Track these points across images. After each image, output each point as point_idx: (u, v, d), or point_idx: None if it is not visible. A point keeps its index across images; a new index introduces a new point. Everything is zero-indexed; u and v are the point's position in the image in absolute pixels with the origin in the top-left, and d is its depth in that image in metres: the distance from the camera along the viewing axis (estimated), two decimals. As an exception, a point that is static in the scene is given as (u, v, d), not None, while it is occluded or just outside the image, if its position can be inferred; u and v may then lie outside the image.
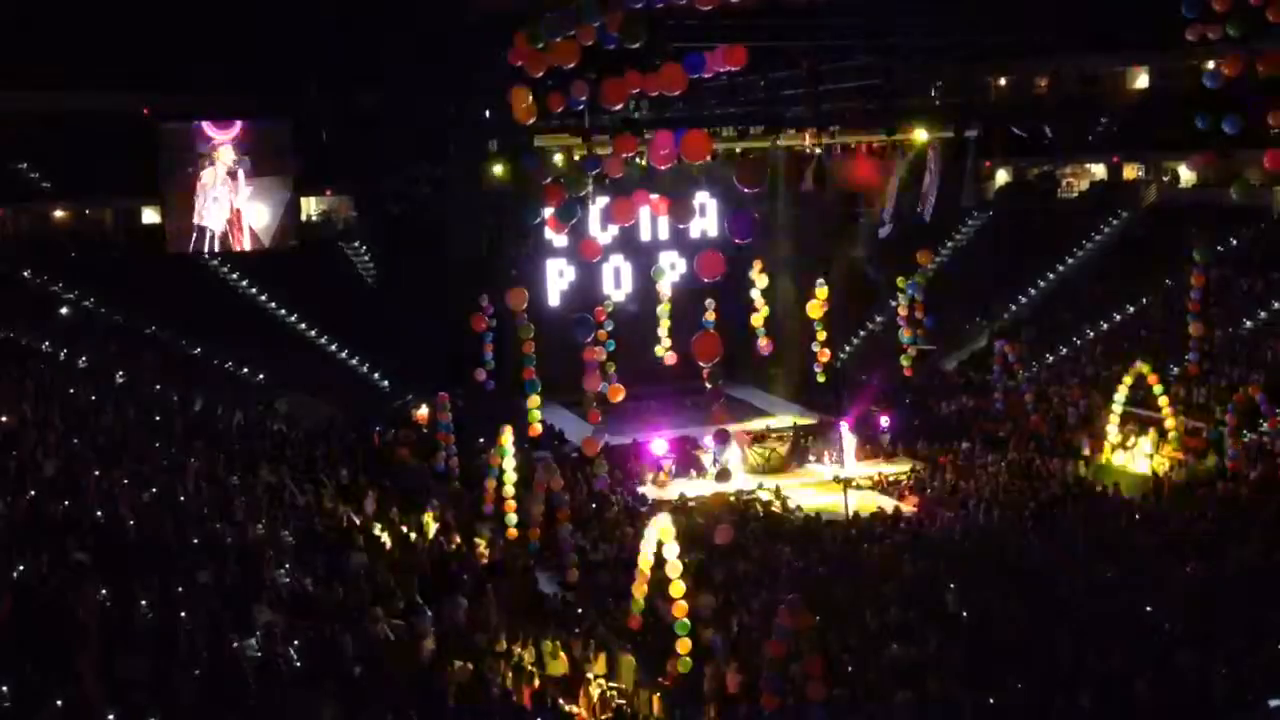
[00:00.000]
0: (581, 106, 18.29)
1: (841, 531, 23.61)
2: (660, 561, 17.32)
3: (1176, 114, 27.46)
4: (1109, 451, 28.60)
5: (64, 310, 34.55)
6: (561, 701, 14.40)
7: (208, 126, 37.47)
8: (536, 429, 25.97)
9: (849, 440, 30.68)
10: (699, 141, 15.61)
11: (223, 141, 37.62)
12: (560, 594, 20.07)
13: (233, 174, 37.78)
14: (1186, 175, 40.86)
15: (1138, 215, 40.08)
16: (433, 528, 21.46)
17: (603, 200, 29.50)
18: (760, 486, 28.45)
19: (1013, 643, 15.69)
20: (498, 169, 34.22)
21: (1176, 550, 19.81)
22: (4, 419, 22.30)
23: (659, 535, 17.31)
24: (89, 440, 21.76)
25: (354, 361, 38.20)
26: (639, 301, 34.94)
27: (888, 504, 27.08)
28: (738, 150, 31.39)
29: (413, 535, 20.60)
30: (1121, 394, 28.42)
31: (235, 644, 12.05)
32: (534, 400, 25.67)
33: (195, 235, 37.65)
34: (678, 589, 16.82)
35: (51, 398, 25.48)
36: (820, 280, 30.13)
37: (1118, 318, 35.85)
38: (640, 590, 18.36)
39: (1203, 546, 19.76)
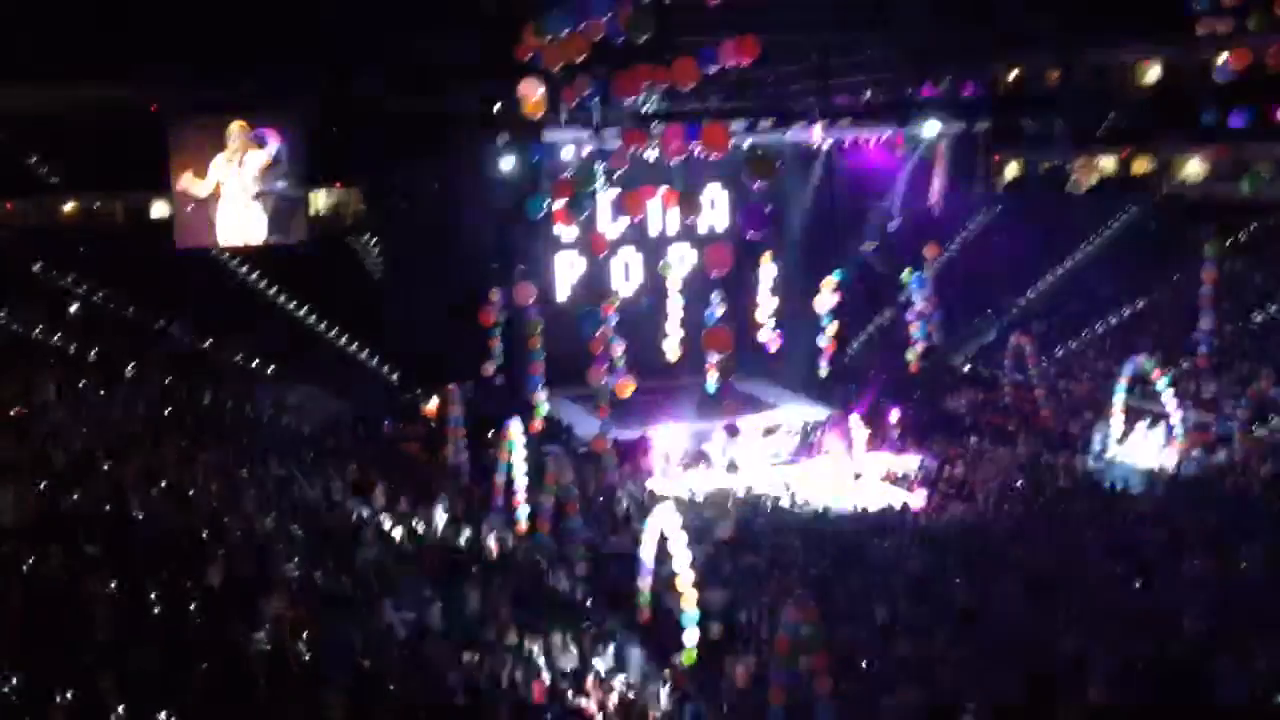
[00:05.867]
0: (593, 101, 18.34)
1: (850, 526, 23.61)
2: (665, 555, 17.33)
3: (1187, 107, 27.41)
4: (1116, 446, 28.54)
5: (74, 308, 34.61)
6: (571, 695, 14.42)
7: (217, 116, 37.55)
8: (537, 425, 26.03)
9: (858, 434, 30.67)
10: (717, 134, 15.61)
11: (234, 130, 37.67)
12: (569, 588, 20.07)
13: (243, 162, 37.83)
14: (1197, 168, 40.71)
15: (1148, 208, 39.96)
16: (442, 521, 21.50)
17: (613, 193, 29.57)
18: (769, 480, 28.45)
19: (1020, 638, 15.69)
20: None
21: (1185, 545, 19.77)
22: (14, 412, 22.37)
23: (661, 528, 17.34)
24: (99, 434, 21.81)
25: (363, 355, 38.24)
26: (648, 294, 34.94)
27: (896, 498, 27.09)
28: (747, 144, 31.35)
29: (422, 529, 20.64)
30: (1121, 388, 28.38)
31: (244, 637, 12.08)
32: (539, 395, 25.74)
33: (206, 225, 37.69)
34: (684, 582, 16.85)
35: (62, 391, 25.56)
36: (838, 272, 30.15)
37: (1127, 311, 35.76)
38: (645, 583, 18.40)
39: (1212, 542, 19.73)
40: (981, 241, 42.43)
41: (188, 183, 37.51)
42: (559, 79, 16.97)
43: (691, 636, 16.45)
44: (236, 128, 37.85)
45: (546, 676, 14.28)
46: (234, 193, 37.94)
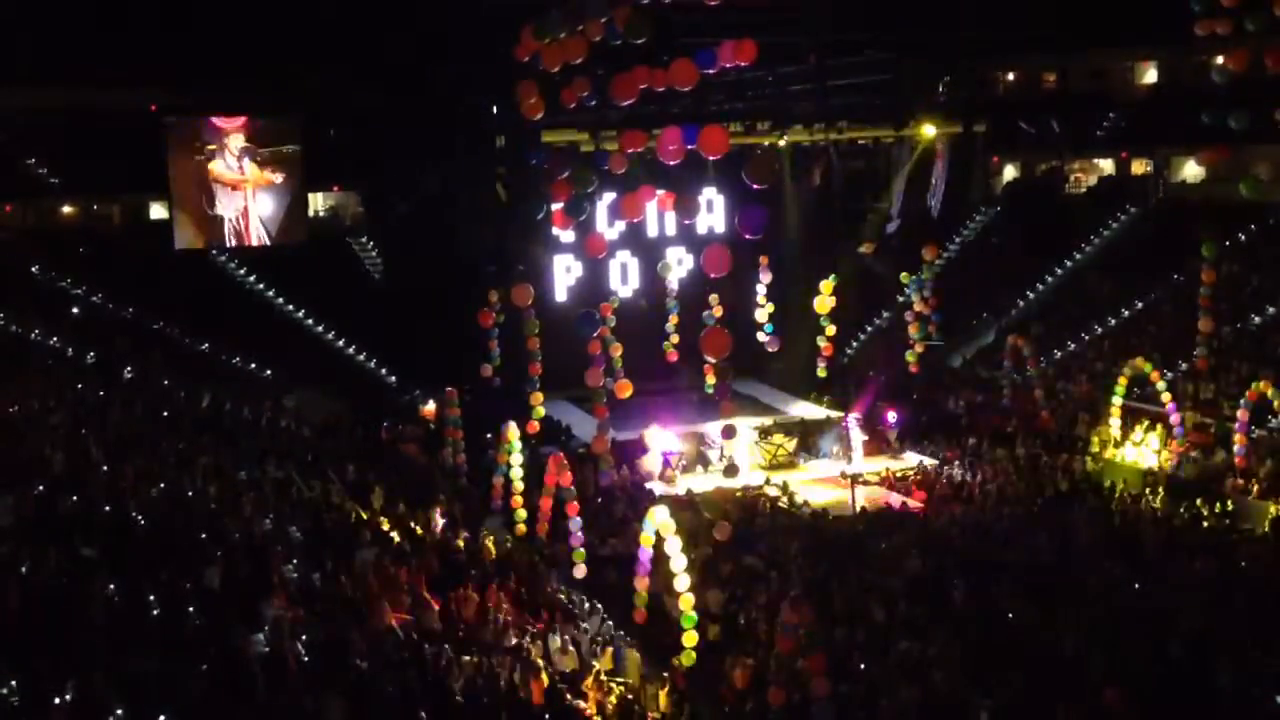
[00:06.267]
0: (593, 103, 18.31)
1: (849, 527, 23.61)
2: (663, 556, 17.33)
3: (1185, 109, 27.41)
4: (1114, 447, 28.58)
5: (75, 310, 34.60)
6: (570, 697, 14.42)
7: (215, 119, 37.56)
8: (534, 425, 26.05)
9: (856, 436, 30.68)
10: (717, 136, 15.58)
11: (232, 130, 37.69)
12: (568, 590, 20.08)
13: (242, 162, 37.84)
14: (1195, 171, 40.77)
15: (1146, 211, 40.00)
16: (440, 523, 21.49)
17: (610, 196, 29.58)
18: (768, 482, 28.44)
19: (1019, 639, 15.69)
20: None
21: (1184, 546, 19.79)
22: (13, 413, 22.33)
23: (659, 529, 17.33)
24: (97, 436, 21.77)
25: (361, 357, 38.23)
26: (646, 297, 34.95)
27: (895, 499, 27.10)
28: (745, 145, 31.34)
29: (420, 531, 20.63)
30: (1120, 390, 28.45)
31: (243, 639, 12.07)
32: (537, 397, 25.74)
33: (208, 226, 37.73)
34: (682, 583, 16.85)
35: (60, 393, 25.51)
36: (833, 275, 30.17)
37: (1126, 313, 35.78)
38: (642, 584, 18.39)
39: (1211, 543, 19.75)
40: (980, 243, 42.47)
41: (188, 182, 37.53)
42: (558, 80, 16.96)
43: (690, 638, 16.45)
44: (236, 122, 37.87)
45: (545, 678, 14.27)
46: (232, 195, 37.95)
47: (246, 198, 38.01)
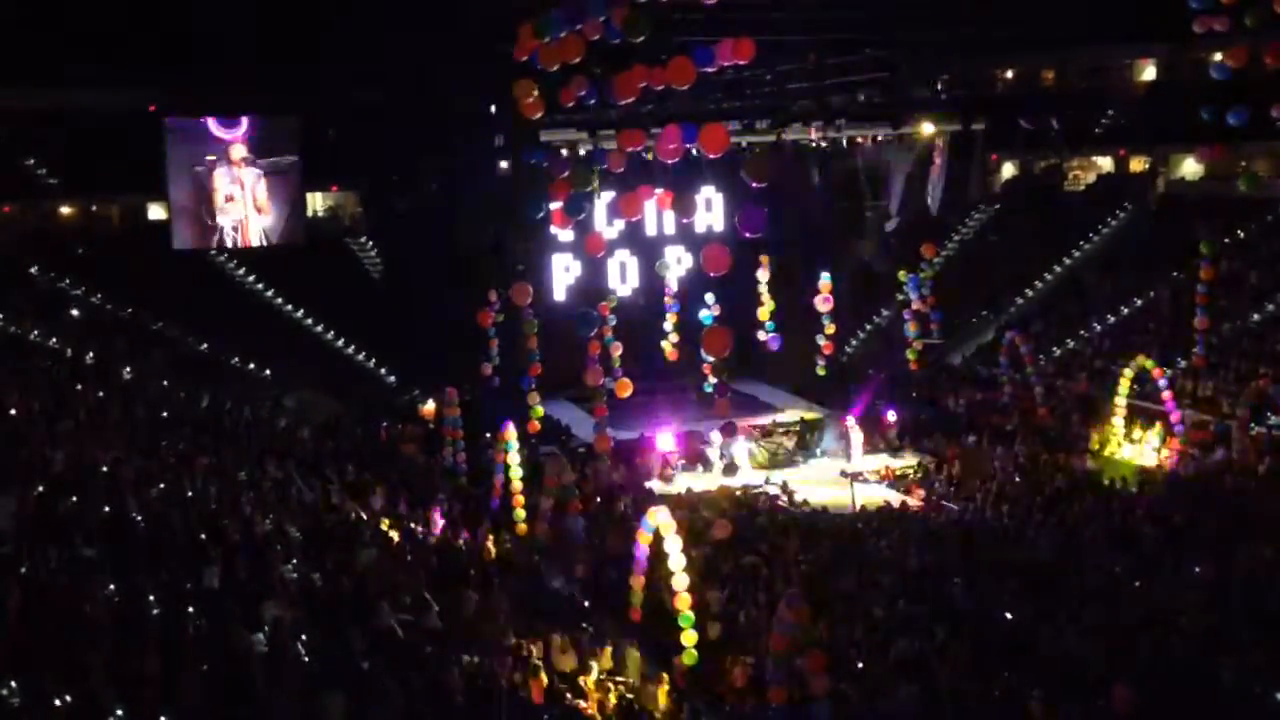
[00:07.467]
0: (592, 101, 18.30)
1: (848, 525, 23.62)
2: (661, 555, 17.31)
3: (1183, 106, 27.43)
4: (1116, 445, 28.58)
5: (75, 312, 34.62)
6: (570, 697, 14.41)
7: (214, 126, 37.56)
8: (535, 425, 26.06)
9: (855, 434, 30.68)
10: (718, 135, 15.55)
11: (233, 140, 37.73)
12: (569, 589, 20.06)
13: (242, 173, 37.88)
14: (1193, 168, 40.78)
15: (1145, 208, 40.01)
16: (440, 523, 21.48)
17: (609, 195, 29.55)
18: (767, 481, 28.47)
19: (1019, 637, 15.68)
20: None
21: (1184, 544, 19.77)
22: (13, 414, 22.33)
23: (657, 528, 17.32)
24: (97, 436, 21.77)
25: (360, 357, 38.25)
26: (645, 296, 34.94)
27: (894, 498, 27.11)
28: (744, 144, 31.31)
29: (420, 530, 20.62)
30: (1123, 387, 28.47)
31: (243, 639, 12.06)
32: (536, 397, 25.76)
33: (204, 226, 37.78)
34: (680, 582, 16.83)
35: (60, 393, 25.51)
36: (825, 274, 30.19)
37: (1125, 311, 35.79)
38: (638, 583, 18.38)
39: (1211, 540, 19.73)
40: (979, 241, 42.49)
41: (189, 189, 37.56)
42: (556, 79, 16.95)
43: (690, 636, 16.43)
44: (236, 133, 37.89)
45: (545, 678, 14.26)
46: (231, 194, 37.97)
47: (246, 209, 38.09)
